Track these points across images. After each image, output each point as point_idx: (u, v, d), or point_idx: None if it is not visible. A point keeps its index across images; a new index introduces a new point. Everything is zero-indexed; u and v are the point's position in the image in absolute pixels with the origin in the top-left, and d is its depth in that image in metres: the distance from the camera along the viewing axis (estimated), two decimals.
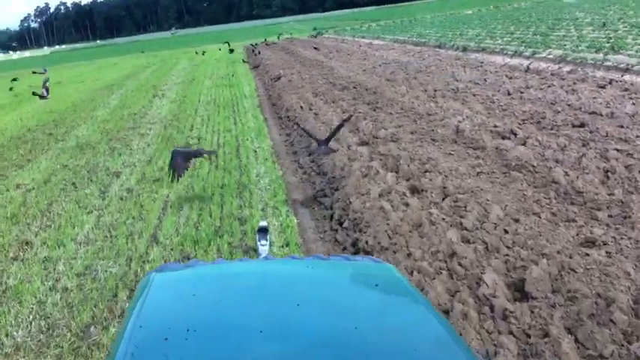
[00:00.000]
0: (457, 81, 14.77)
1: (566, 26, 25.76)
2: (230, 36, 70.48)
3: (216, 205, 7.55)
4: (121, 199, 8.30)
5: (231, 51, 38.76)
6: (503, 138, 8.75)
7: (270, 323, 1.82)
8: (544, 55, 17.92)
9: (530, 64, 16.63)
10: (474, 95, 12.48)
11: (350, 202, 6.92)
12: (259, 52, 35.03)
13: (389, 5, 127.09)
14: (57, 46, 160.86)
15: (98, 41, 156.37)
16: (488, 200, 6.27)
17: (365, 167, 8.05)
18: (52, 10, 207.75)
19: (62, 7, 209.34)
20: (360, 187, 7.27)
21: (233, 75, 25.09)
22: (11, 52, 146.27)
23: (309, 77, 19.64)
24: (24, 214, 8.06)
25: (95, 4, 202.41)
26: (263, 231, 4.34)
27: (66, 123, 16.18)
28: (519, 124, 9.51)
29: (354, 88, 15.89)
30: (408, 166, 7.77)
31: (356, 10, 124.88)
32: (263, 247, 4.17)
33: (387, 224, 6.00)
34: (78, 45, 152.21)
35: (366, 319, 1.91)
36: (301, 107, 13.71)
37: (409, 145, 8.97)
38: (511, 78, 14.26)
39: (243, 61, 31.66)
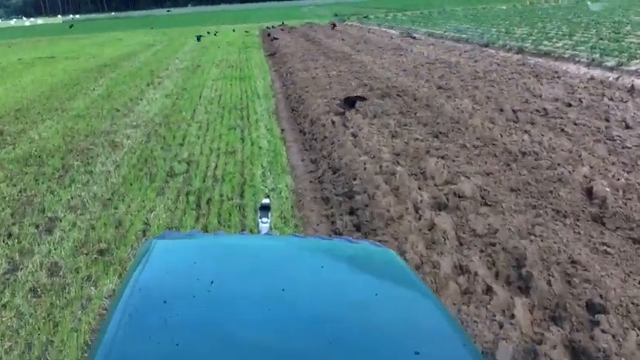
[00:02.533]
0: (537, 97, 11.20)
1: (634, 31, 22.06)
2: (246, 17, 66.90)
3: None
4: (33, 292, 4.80)
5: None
6: None
7: (267, 295, 1.77)
8: (633, 67, 14.30)
9: (619, 78, 13.05)
10: (576, 124, 8.93)
11: None
12: (275, 38, 31.45)
13: None
14: (70, 16, 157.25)
15: (113, 13, 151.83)
16: None
17: (458, 268, 4.56)
18: None
19: None
20: (463, 326, 3.79)
21: (246, 63, 21.58)
22: (24, 19, 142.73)
23: (336, 75, 16.08)
24: None
25: None
26: (265, 208, 3.75)
27: (30, 115, 12.71)
28: None
29: (399, 96, 12.32)
30: (549, 284, 4.23)
31: None
32: (264, 225, 3.58)
33: None
34: (92, 15, 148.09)
35: (362, 298, 1.82)
36: (332, 122, 10.18)
37: (520, 220, 5.45)
38: (612, 99, 10.68)
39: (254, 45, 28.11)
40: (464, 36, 26.42)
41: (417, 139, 8.72)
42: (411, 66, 16.98)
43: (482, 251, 4.90)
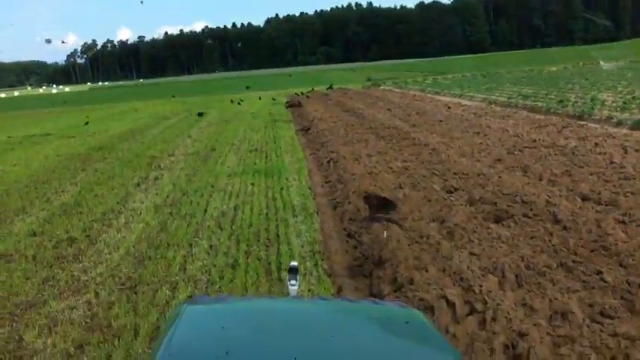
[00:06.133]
0: None
1: None
2: (274, 83, 63.41)
3: None
4: None
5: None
6: None
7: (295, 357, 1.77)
8: None
9: None
10: None
11: None
12: (300, 105, 27.33)
13: (441, 58, 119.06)
14: (99, 83, 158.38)
15: (141, 80, 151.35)
16: None
17: None
18: (98, 47, 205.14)
19: (109, 45, 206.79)
20: None
21: (273, 144, 16.91)
22: (54, 86, 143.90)
23: (402, 167, 11.24)
24: None
25: (141, 43, 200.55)
26: (293, 271, 3.59)
27: None
28: None
29: (528, 217, 7.35)
30: None
31: (407, 60, 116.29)
32: (292, 287, 3.44)
33: None
34: (120, 83, 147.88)
35: None
36: (445, 299, 5.18)
37: None
38: None
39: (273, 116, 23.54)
40: (539, 104, 21.54)
41: None
42: (503, 152, 12.10)
43: None
